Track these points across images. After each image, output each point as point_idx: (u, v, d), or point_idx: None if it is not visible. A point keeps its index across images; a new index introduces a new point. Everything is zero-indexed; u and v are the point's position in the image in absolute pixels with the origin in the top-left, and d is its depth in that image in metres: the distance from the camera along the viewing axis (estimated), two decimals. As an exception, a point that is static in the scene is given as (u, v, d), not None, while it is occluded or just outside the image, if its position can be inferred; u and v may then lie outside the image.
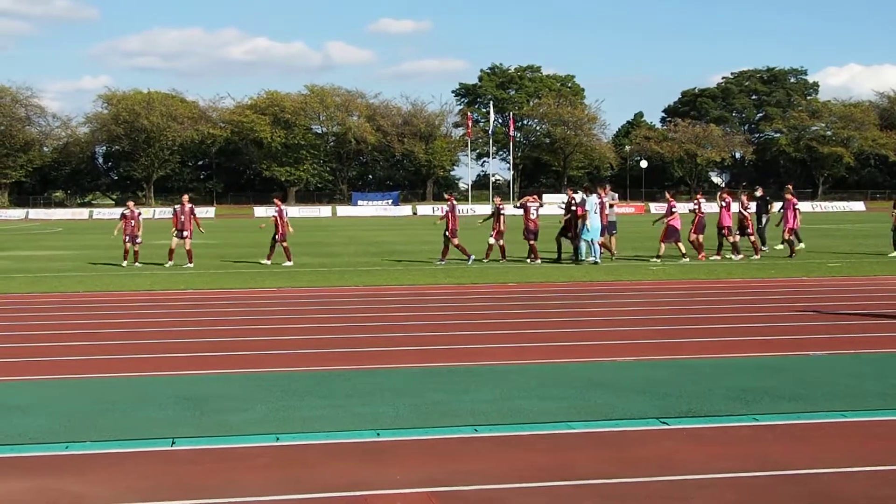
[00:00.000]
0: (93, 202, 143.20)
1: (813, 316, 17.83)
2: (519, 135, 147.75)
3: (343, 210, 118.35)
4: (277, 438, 9.25)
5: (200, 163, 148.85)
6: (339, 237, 51.50)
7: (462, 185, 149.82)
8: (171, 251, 31.05)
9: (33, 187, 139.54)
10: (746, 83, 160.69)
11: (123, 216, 31.71)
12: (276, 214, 31.26)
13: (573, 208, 30.85)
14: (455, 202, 31.60)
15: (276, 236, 30.96)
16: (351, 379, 12.06)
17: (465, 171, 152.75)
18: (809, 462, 8.30)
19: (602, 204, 30.50)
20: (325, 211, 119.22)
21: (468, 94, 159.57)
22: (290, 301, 21.06)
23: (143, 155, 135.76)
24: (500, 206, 31.86)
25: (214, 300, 21.39)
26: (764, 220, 35.16)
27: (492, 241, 31.24)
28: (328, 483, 7.86)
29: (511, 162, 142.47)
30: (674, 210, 31.20)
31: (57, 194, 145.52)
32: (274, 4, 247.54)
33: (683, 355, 13.62)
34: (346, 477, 8.02)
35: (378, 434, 9.40)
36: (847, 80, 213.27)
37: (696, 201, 33.16)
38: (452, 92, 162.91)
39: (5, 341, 15.64)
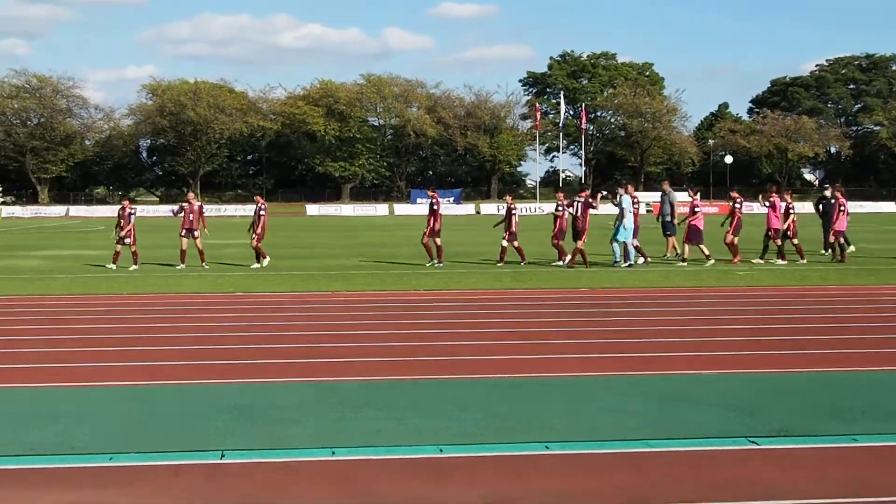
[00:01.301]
0: (136, 199, 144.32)
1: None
2: (591, 128, 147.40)
3: (401, 208, 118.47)
4: (333, 452, 9.26)
5: (249, 157, 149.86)
6: (396, 237, 51.59)
7: (529, 182, 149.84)
8: (182, 252, 31.09)
9: (74, 183, 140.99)
10: (843, 71, 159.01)
11: (182, 208, 31.66)
12: (262, 212, 31.36)
13: (557, 213, 31.20)
14: (439, 199, 32.11)
15: (253, 237, 31.06)
16: (411, 390, 12.08)
17: (533, 167, 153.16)
18: (913, 487, 8.20)
19: (637, 205, 30.70)
20: (381, 209, 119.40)
21: (537, 84, 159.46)
22: (343, 305, 21.10)
23: (189, 149, 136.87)
24: (513, 207, 31.92)
25: (264, 304, 21.49)
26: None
27: (504, 243, 31.34)
28: (387, 501, 7.86)
29: (583, 157, 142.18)
30: (697, 209, 31.15)
31: (99, 190, 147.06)
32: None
33: (773, 369, 13.48)
34: (405, 495, 8.03)
35: (440, 450, 9.39)
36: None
37: (737, 200, 32.81)
38: (520, 81, 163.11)
39: (47, 345, 15.82)
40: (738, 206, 32.05)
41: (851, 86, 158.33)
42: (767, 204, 31.68)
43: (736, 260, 30.99)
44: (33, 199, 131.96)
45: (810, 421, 10.44)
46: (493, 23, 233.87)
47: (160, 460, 9.05)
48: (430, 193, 33.62)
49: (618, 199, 30.58)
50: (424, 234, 31.49)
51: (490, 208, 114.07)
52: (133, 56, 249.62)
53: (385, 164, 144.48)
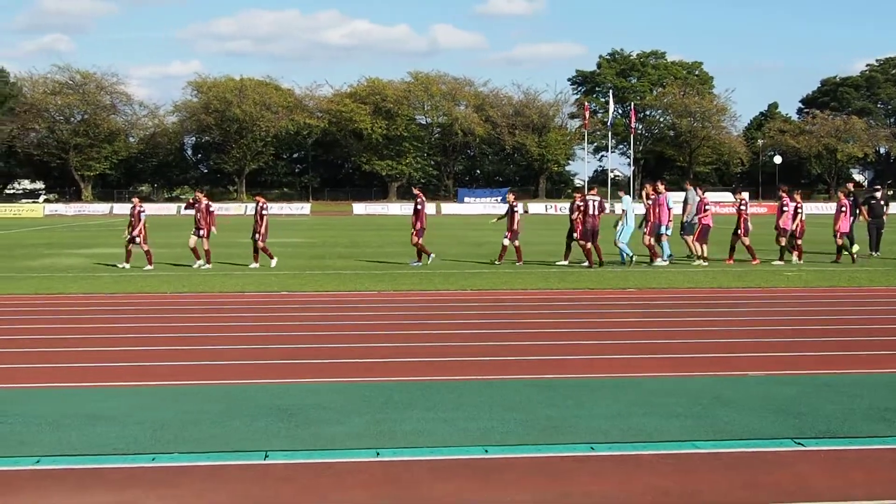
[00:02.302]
0: (181, 196, 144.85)
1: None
2: (641, 127, 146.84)
3: (448, 207, 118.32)
4: (377, 453, 9.30)
5: (296, 155, 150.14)
6: (443, 237, 51.51)
7: (578, 182, 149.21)
8: (193, 250, 31.00)
9: (118, 180, 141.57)
10: (894, 71, 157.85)
11: (192, 204, 31.55)
12: (263, 212, 31.02)
13: (574, 214, 30.68)
14: (424, 198, 31.99)
15: (256, 236, 30.74)
16: (457, 391, 12.09)
17: (582, 166, 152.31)
18: (962, 491, 8.17)
19: (656, 203, 30.86)
20: (428, 208, 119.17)
21: (586, 83, 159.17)
22: (389, 305, 21.14)
23: (234, 147, 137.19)
24: (515, 204, 31.88)
25: (309, 303, 21.55)
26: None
27: (506, 241, 31.32)
28: (432, 503, 7.90)
29: (631, 156, 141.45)
30: (707, 208, 31.24)
31: (143, 188, 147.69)
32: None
33: (819, 370, 13.43)
34: (451, 496, 8.05)
35: (486, 451, 9.41)
36: None
37: (741, 201, 32.83)
38: (568, 80, 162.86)
39: (90, 344, 15.91)
40: (743, 207, 32.14)
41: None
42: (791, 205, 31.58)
43: (755, 262, 30.91)
44: (77, 197, 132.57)
45: (856, 423, 10.40)
46: (542, 20, 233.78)
47: (204, 461, 9.10)
48: (415, 192, 33.26)
49: (622, 200, 30.79)
50: (413, 235, 31.30)
51: (538, 208, 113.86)
52: (177, 52, 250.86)
53: (432, 162, 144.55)
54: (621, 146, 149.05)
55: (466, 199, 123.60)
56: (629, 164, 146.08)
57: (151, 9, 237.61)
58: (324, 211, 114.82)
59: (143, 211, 31.31)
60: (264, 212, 31.06)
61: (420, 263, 30.88)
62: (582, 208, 30.39)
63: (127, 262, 30.56)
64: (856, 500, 7.91)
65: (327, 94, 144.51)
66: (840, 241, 32.14)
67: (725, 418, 10.64)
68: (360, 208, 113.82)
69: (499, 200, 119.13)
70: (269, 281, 26.18)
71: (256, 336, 16.79)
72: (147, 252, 30.74)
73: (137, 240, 30.75)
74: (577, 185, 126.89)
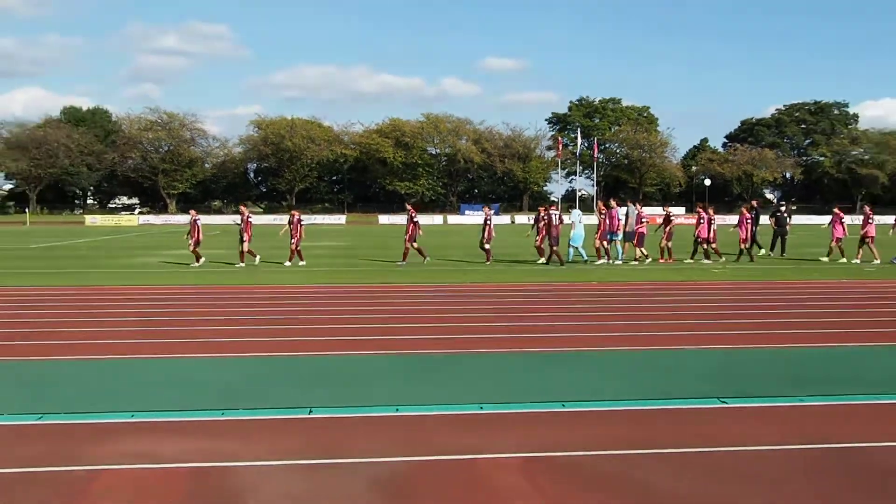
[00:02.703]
0: (240, 208, 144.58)
1: (853, 312, 17.47)
2: (601, 157, 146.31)
3: (452, 218, 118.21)
4: (397, 409, 9.31)
5: (334, 178, 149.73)
6: (449, 241, 51.56)
7: (553, 199, 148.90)
8: (244, 253, 30.22)
9: (196, 197, 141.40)
10: (797, 114, 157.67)
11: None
12: (249, 219, 30.35)
13: (540, 224, 31.24)
14: (416, 213, 31.48)
15: (291, 241, 30.39)
16: (458, 361, 12.09)
17: (556, 187, 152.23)
18: (851, 437, 8.17)
19: (607, 215, 31.06)
20: (437, 219, 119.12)
21: (559, 122, 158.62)
22: (408, 295, 21.07)
23: (286, 171, 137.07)
24: (488, 216, 31.84)
25: (346, 293, 21.49)
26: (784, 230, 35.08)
27: (487, 246, 31.19)
28: (440, 448, 7.91)
29: (594, 179, 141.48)
30: (643, 220, 31.54)
31: (215, 203, 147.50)
32: (398, 46, 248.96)
33: (739, 345, 13.42)
34: (455, 443, 8.07)
35: (481, 407, 9.42)
36: (883, 112, 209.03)
37: (666, 211, 33.38)
38: (546, 120, 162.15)
39: (180, 324, 15.94)
40: (673, 218, 32.61)
41: (803, 125, 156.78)
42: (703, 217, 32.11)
43: (672, 260, 31.11)
44: (164, 210, 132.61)
45: (768, 386, 10.40)
46: (526, 74, 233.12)
47: (262, 415, 9.12)
48: (408, 206, 32.56)
49: (571, 213, 31.76)
50: (406, 239, 30.78)
51: (522, 219, 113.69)
52: (242, 98, 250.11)
53: (440, 183, 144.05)
54: (587, 171, 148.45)
55: (467, 212, 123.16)
56: (593, 185, 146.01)
57: (222, 64, 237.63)
58: (356, 221, 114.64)
59: (198, 220, 30.39)
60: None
61: (404, 263, 30.15)
62: (546, 220, 30.58)
63: (197, 261, 29.93)
64: (768, 446, 7.91)
65: (359, 131, 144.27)
66: (743, 245, 32.31)
67: (666, 382, 10.64)
68: (384, 219, 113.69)
69: (492, 213, 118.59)
70: (313, 277, 26.11)
71: (300, 319, 16.78)
72: (195, 252, 29.91)
73: (189, 242, 29.88)
74: (552, 202, 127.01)
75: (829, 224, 33.18)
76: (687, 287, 22.70)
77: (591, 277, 25.14)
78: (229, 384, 10.56)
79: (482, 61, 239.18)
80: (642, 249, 31.19)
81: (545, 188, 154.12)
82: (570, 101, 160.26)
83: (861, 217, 32.71)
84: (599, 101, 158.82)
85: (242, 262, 29.90)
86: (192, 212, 31.51)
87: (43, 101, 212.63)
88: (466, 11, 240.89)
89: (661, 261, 30.99)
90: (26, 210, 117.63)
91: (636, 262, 30.48)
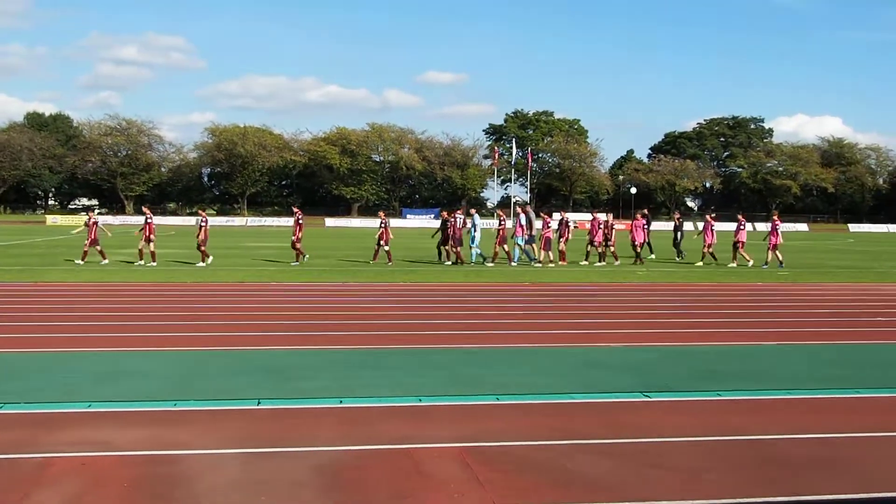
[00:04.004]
0: (197, 212, 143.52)
1: (766, 314, 17.70)
2: (535, 165, 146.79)
3: (395, 222, 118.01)
4: (341, 401, 9.26)
5: (284, 182, 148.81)
6: (392, 244, 51.38)
7: (490, 204, 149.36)
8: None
9: (152, 199, 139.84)
10: (716, 128, 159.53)
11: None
12: (203, 224, 30.08)
13: (448, 227, 32.09)
14: (386, 218, 32.47)
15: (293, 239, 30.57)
16: (399, 356, 12.05)
17: (492, 193, 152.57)
18: (763, 429, 8.25)
19: (503, 221, 32.39)
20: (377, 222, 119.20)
21: (496, 133, 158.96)
22: (348, 293, 21.03)
23: (239, 175, 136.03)
24: (450, 219, 32.44)
25: (292, 291, 21.38)
26: (679, 236, 35.72)
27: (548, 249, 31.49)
28: (381, 437, 7.87)
29: (528, 186, 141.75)
30: (549, 225, 31.91)
31: (171, 205, 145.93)
32: (344, 59, 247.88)
33: (662, 343, 13.54)
34: (395, 433, 8.03)
35: (420, 399, 9.40)
36: (796, 127, 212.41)
37: (562, 219, 33.60)
38: (483, 130, 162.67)
39: (127, 319, 15.75)
40: (567, 219, 33.04)
41: (722, 138, 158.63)
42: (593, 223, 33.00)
43: (563, 262, 31.32)
44: (122, 211, 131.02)
45: (688, 381, 10.50)
46: (464, 87, 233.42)
47: (212, 405, 9.04)
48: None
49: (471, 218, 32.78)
50: (294, 241, 30.98)
51: (459, 223, 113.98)
52: (197, 106, 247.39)
53: (384, 189, 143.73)
54: (521, 179, 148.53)
55: (408, 216, 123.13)
56: (527, 192, 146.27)
57: (179, 74, 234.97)
58: (304, 224, 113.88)
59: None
60: (203, 223, 30.15)
61: (298, 264, 30.05)
62: (452, 223, 31.93)
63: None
64: (687, 437, 7.97)
65: (307, 138, 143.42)
66: (639, 249, 33.61)
67: (593, 377, 10.69)
68: (330, 222, 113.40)
69: (432, 217, 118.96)
70: (262, 273, 25.95)
71: (250, 315, 16.65)
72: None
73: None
74: (517, 203, 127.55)
75: (702, 231, 33.58)
76: (613, 288, 22.88)
77: (523, 279, 25.23)
78: (181, 376, 10.44)
79: (422, 74, 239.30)
80: (549, 253, 31.53)
81: (482, 194, 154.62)
82: (506, 114, 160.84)
83: (769, 225, 33.07)
84: (533, 113, 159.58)
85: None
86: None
87: (7, 105, 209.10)
88: (408, 27, 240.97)
89: (562, 263, 31.33)
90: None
91: (539, 265, 30.77)
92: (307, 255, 31.65)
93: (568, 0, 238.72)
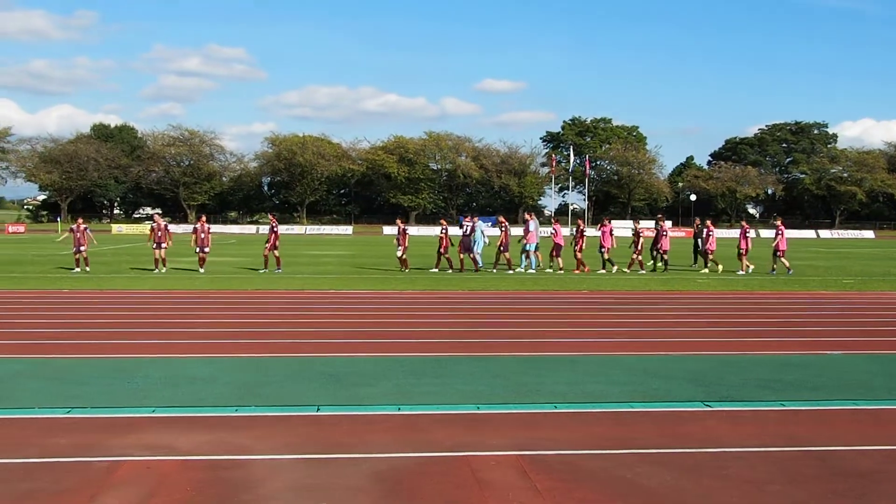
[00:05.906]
0: (259, 220, 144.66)
1: (832, 322, 17.44)
2: (593, 173, 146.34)
3: (452, 230, 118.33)
4: (399, 408, 9.28)
5: (342, 191, 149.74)
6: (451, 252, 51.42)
7: (546, 212, 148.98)
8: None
9: (214, 208, 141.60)
10: (778, 133, 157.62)
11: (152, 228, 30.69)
12: (203, 233, 30.28)
13: (466, 233, 32.58)
14: (406, 226, 32.23)
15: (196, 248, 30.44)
16: (457, 364, 12.05)
17: (549, 201, 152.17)
18: (828, 440, 8.12)
19: (506, 229, 32.81)
20: (437, 230, 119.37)
21: (553, 140, 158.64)
22: (407, 301, 21.07)
23: (298, 184, 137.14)
24: (445, 227, 33.31)
25: (351, 299, 21.50)
26: (700, 243, 33.96)
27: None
28: (438, 444, 7.87)
29: (586, 194, 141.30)
30: (554, 230, 32.74)
31: (232, 214, 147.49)
32: (402, 68, 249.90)
33: (722, 352, 13.39)
34: (452, 440, 8.03)
35: (478, 407, 9.39)
36: (861, 132, 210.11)
37: (554, 225, 34.27)
38: (541, 138, 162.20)
39: (196, 326, 15.93)
40: (583, 228, 32.92)
41: (784, 144, 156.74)
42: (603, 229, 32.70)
43: (587, 269, 31.16)
44: (184, 220, 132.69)
45: (749, 390, 10.36)
46: (522, 95, 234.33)
47: (273, 412, 9.11)
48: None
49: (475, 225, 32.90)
50: (266, 248, 30.88)
51: (517, 230, 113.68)
52: (258, 116, 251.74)
53: (441, 197, 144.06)
54: (578, 187, 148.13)
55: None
56: (584, 200, 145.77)
57: (240, 85, 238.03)
58: (362, 232, 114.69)
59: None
60: (202, 234, 30.45)
61: (281, 270, 30.25)
62: (445, 234, 32.90)
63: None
64: (749, 447, 7.87)
65: (365, 147, 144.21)
66: (666, 255, 33.27)
67: (653, 386, 10.60)
68: (388, 230, 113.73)
69: (489, 225, 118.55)
70: (321, 282, 26.11)
71: (310, 322, 16.77)
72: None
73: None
74: (573, 212, 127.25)
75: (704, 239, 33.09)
76: (672, 296, 22.67)
77: (581, 286, 25.11)
78: (242, 382, 10.55)
79: (480, 83, 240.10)
80: (559, 260, 32.06)
81: (539, 202, 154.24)
82: (564, 121, 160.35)
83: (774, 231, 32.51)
84: (591, 120, 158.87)
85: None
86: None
87: (74, 118, 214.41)
88: (466, 36, 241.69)
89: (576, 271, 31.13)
90: (58, 219, 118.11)
91: (549, 271, 31.29)
92: (280, 269, 30.79)
93: (626, 7, 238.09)
